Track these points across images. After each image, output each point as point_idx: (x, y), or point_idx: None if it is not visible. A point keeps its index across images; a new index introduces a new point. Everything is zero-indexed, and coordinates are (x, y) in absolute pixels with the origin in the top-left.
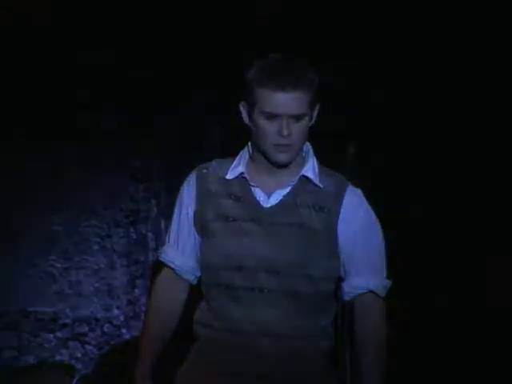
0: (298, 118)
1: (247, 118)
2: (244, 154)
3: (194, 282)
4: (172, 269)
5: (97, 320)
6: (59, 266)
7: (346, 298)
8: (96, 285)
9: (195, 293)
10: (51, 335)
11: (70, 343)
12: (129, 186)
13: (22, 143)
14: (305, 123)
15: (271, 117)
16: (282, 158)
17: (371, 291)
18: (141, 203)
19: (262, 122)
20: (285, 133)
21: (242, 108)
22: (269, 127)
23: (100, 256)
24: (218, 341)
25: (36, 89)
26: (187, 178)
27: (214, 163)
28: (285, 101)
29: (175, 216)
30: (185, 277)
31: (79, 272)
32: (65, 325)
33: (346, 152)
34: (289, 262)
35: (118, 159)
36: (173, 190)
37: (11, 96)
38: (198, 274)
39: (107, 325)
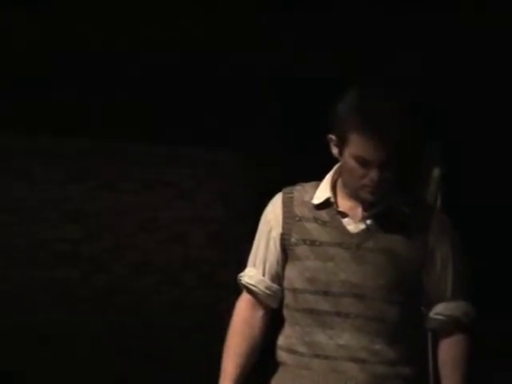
0: (390, 163)
1: (336, 151)
2: (330, 179)
3: (276, 306)
4: (255, 293)
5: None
6: None
7: (431, 324)
8: None
9: (276, 317)
10: None
11: None
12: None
13: None
14: (397, 167)
15: (363, 161)
16: (369, 198)
17: (456, 319)
18: (225, 225)
19: (352, 163)
20: (376, 179)
21: (330, 141)
22: (359, 170)
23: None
24: (303, 366)
25: None
26: (272, 201)
27: (299, 187)
28: (378, 148)
29: (259, 239)
30: (267, 301)
31: None
32: None
33: (431, 176)
34: (375, 287)
35: (200, 180)
36: (256, 213)
37: None
38: (281, 299)
39: None
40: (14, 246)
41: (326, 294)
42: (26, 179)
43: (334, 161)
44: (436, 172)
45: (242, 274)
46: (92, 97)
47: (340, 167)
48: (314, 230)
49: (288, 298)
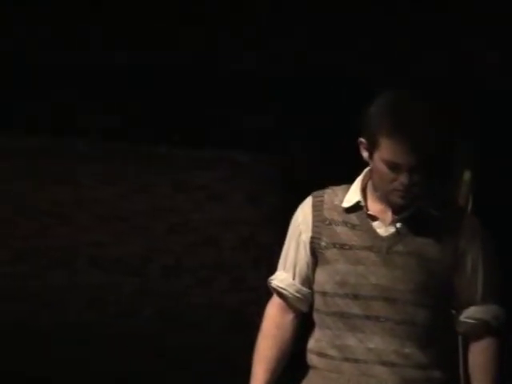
0: (420, 167)
1: (366, 154)
2: (360, 182)
3: (307, 310)
4: (285, 296)
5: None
6: None
7: (461, 328)
8: None
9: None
10: None
11: None
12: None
13: None
14: (427, 171)
15: (393, 166)
16: (399, 201)
17: (486, 322)
18: (256, 228)
19: (382, 167)
20: (406, 183)
21: (360, 144)
22: (389, 174)
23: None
24: (333, 370)
25: None
26: (302, 205)
27: (329, 190)
28: (408, 153)
29: (289, 243)
30: (298, 305)
31: None
32: None
33: (462, 179)
34: (405, 291)
35: (232, 183)
36: (287, 216)
37: None
38: (311, 302)
39: None
40: (49, 248)
41: (355, 297)
42: (63, 181)
43: (364, 164)
44: (467, 174)
45: (272, 277)
46: (128, 100)
47: (370, 171)
48: (344, 234)
49: (318, 302)
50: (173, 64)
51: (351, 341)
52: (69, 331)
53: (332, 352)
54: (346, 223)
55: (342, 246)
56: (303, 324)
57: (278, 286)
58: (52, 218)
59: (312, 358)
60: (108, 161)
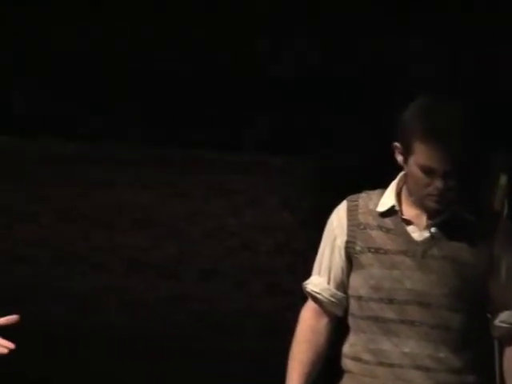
0: (454, 172)
1: (401, 159)
2: (395, 186)
3: (341, 314)
4: (320, 301)
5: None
6: None
7: (496, 332)
8: None
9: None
10: None
11: None
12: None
13: None
14: (462, 175)
15: (427, 170)
16: (434, 206)
17: None
18: (291, 233)
19: (417, 172)
20: (440, 188)
21: (395, 148)
22: (424, 179)
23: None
24: (367, 374)
25: None
26: (337, 209)
27: (364, 195)
28: (442, 157)
29: (324, 247)
30: (332, 309)
31: None
32: None
33: (498, 183)
34: (440, 295)
35: (268, 187)
36: (322, 220)
37: None
38: (345, 307)
39: None
40: (88, 252)
41: (390, 301)
42: (102, 186)
43: (399, 168)
44: (503, 179)
45: (307, 281)
46: (163, 105)
47: (405, 175)
48: (379, 238)
49: (353, 306)
50: (210, 68)
51: (386, 345)
52: (106, 334)
53: (367, 356)
54: (380, 227)
55: (376, 251)
56: (338, 328)
57: (313, 291)
58: (91, 222)
59: (347, 363)
60: (146, 166)
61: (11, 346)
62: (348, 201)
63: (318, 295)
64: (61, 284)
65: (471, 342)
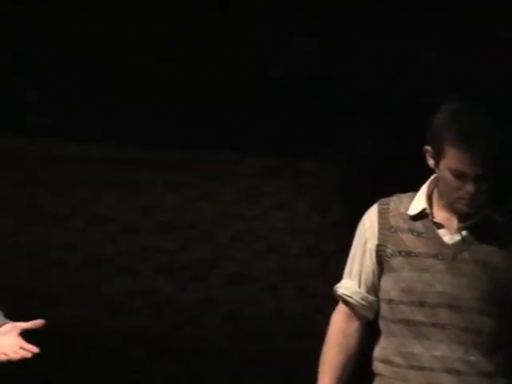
0: (485, 176)
1: (432, 162)
2: (426, 190)
3: (372, 318)
4: (350, 304)
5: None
6: None
7: None
8: None
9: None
10: None
11: None
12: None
13: None
14: (491, 179)
15: (458, 174)
16: (465, 209)
17: None
18: (321, 236)
19: (448, 175)
20: (471, 191)
21: (426, 152)
22: (455, 182)
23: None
24: (398, 377)
25: None
26: (368, 212)
27: (395, 198)
28: (474, 161)
29: (355, 250)
30: (363, 312)
31: None
32: None
33: None
34: (471, 299)
35: (297, 190)
36: (353, 223)
37: None
38: (376, 310)
39: None
40: (116, 255)
41: (421, 305)
42: (130, 189)
43: (429, 172)
44: None
45: (337, 285)
46: (191, 107)
47: (436, 178)
48: (410, 241)
49: (384, 309)
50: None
51: (417, 348)
52: (134, 337)
53: (397, 359)
54: (411, 231)
55: (407, 254)
56: (369, 331)
57: (344, 294)
58: (119, 225)
59: (377, 366)
60: (174, 168)
61: (35, 350)
62: (379, 204)
63: (349, 298)
64: (89, 287)
65: (502, 346)
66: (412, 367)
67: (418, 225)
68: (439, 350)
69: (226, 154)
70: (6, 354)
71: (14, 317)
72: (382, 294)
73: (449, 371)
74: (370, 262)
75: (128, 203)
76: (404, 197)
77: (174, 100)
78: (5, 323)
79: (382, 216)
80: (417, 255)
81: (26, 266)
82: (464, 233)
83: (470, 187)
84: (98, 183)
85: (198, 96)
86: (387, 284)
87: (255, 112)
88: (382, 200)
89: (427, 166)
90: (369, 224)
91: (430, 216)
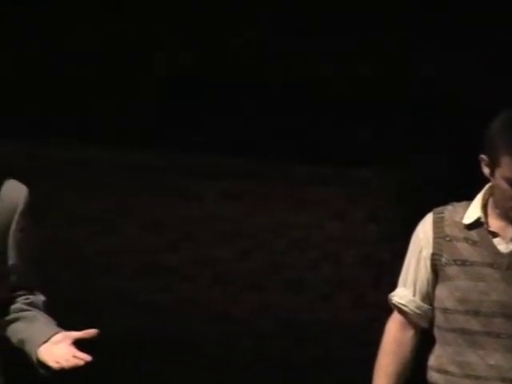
0: None
1: (487, 171)
2: (481, 198)
3: (427, 326)
4: (405, 313)
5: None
6: None
7: None
8: None
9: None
10: None
11: None
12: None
13: None
14: None
15: None
16: None
17: None
18: (376, 245)
19: (503, 184)
20: None
21: (482, 161)
22: (510, 191)
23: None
24: None
25: None
26: (423, 221)
27: (450, 207)
28: None
29: (409, 259)
30: (418, 321)
31: None
32: None
33: None
34: None
35: (353, 199)
36: (407, 232)
37: None
38: (431, 319)
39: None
40: (174, 263)
41: (476, 313)
42: (189, 197)
43: (485, 180)
44: None
45: (392, 293)
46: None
47: (491, 187)
48: (465, 250)
49: (438, 318)
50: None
51: (472, 357)
52: (192, 346)
53: (452, 368)
54: (466, 240)
55: (462, 263)
56: (424, 340)
57: (399, 303)
58: (177, 233)
59: (432, 375)
60: (232, 177)
61: (88, 358)
62: (434, 213)
63: (403, 307)
64: (145, 296)
65: None
66: (467, 376)
67: (473, 234)
68: (494, 359)
69: (284, 163)
70: (58, 362)
71: (65, 326)
72: (436, 303)
73: (503, 380)
74: (424, 271)
75: (188, 212)
76: (459, 206)
77: (239, 110)
78: (57, 332)
79: (437, 225)
80: (472, 264)
81: (74, 274)
82: None
83: None
84: (160, 191)
85: (263, 106)
86: (442, 293)
87: (316, 122)
88: (437, 209)
89: (482, 174)
90: (423, 233)
91: (485, 225)
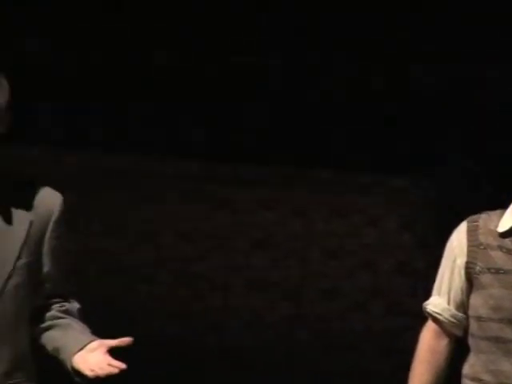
0: None
1: None
2: None
3: (461, 335)
4: (440, 321)
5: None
6: None
7: None
8: None
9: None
10: None
11: None
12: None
13: None
14: None
15: None
16: None
17: None
18: (411, 253)
19: None
20: None
21: None
22: None
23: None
24: None
25: None
26: (457, 230)
27: (484, 215)
28: None
29: (444, 267)
30: (452, 329)
31: None
32: None
33: None
34: None
35: (389, 207)
36: (442, 241)
37: None
38: (465, 327)
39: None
40: (207, 272)
41: (510, 322)
42: (223, 206)
43: None
44: None
45: (427, 302)
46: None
47: None
48: (499, 258)
49: (472, 326)
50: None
51: (506, 366)
52: (227, 353)
53: (486, 377)
54: (501, 248)
55: (497, 271)
56: (458, 349)
57: (433, 311)
58: (210, 241)
59: (466, 383)
60: (265, 185)
61: (122, 366)
62: (468, 221)
63: (438, 316)
64: (182, 304)
65: None
66: None
67: (508, 242)
68: None
69: (319, 171)
70: (92, 370)
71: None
72: (470, 311)
73: None
74: (458, 280)
75: (222, 220)
76: (493, 214)
77: (274, 123)
78: (92, 340)
79: (471, 233)
80: (506, 272)
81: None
82: None
83: None
84: (195, 200)
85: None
86: (476, 301)
87: (354, 132)
88: (471, 217)
89: None
90: (458, 241)
91: None
